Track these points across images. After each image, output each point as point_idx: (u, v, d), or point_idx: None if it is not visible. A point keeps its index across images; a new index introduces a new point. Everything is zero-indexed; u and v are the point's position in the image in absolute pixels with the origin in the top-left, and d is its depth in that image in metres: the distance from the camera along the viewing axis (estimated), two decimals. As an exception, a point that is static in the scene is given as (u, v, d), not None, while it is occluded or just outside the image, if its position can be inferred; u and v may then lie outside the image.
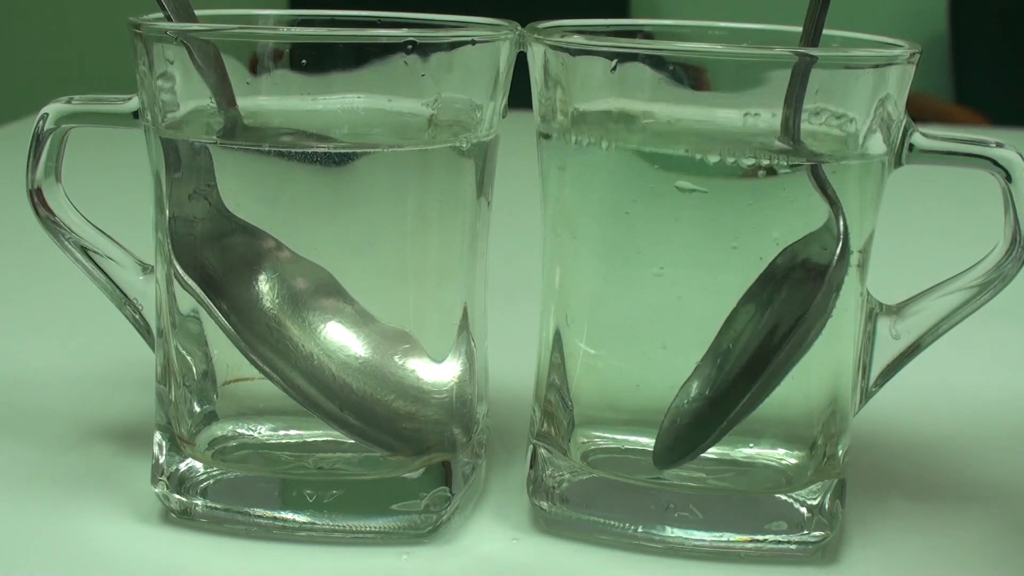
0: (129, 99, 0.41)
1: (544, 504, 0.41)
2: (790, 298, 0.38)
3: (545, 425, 0.42)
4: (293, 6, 1.94)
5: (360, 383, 0.39)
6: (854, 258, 0.40)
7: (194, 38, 0.38)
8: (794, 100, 0.37)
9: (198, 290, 0.39)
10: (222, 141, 0.38)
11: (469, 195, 0.41)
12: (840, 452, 0.41)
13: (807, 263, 0.38)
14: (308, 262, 0.39)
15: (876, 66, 0.38)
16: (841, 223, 0.38)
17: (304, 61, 0.38)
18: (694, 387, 0.39)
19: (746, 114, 0.38)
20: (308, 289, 0.39)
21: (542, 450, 0.41)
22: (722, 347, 0.39)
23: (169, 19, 0.39)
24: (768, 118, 0.38)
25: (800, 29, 0.41)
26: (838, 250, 0.38)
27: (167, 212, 0.39)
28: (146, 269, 0.44)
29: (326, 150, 0.38)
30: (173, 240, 0.39)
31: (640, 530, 0.40)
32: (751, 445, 0.40)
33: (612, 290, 0.40)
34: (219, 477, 0.40)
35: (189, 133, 0.39)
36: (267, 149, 0.38)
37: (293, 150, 0.38)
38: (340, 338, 0.39)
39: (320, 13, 0.43)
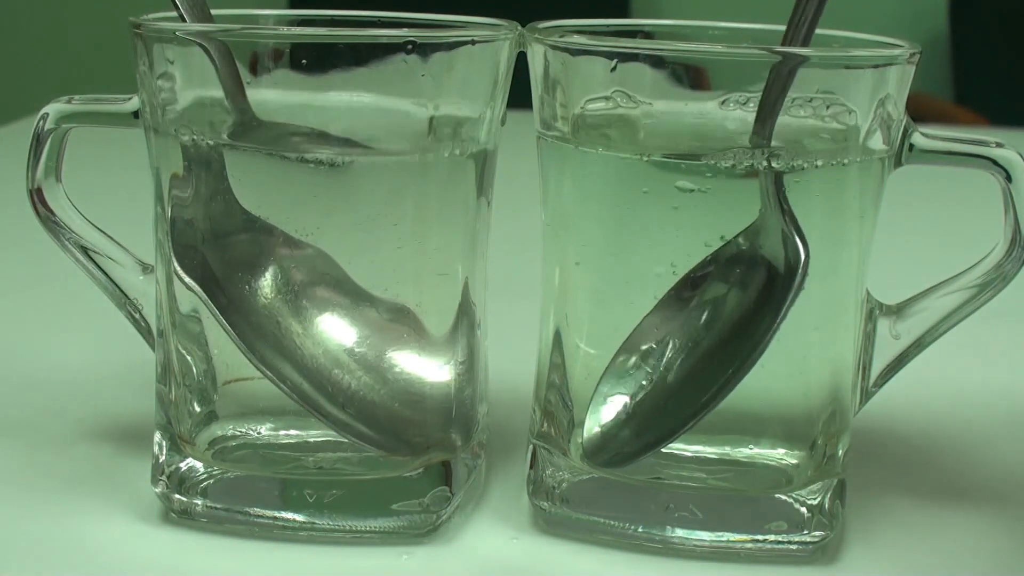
0: (129, 99, 0.41)
1: (544, 504, 0.41)
2: (729, 304, 0.38)
3: (545, 425, 0.42)
4: (293, 6, 1.94)
5: (360, 383, 0.39)
6: (852, 263, 0.40)
7: (195, 38, 0.38)
8: (773, 98, 0.37)
9: (198, 289, 0.39)
10: (226, 142, 0.38)
11: (469, 195, 0.41)
12: (840, 452, 0.41)
13: (754, 264, 0.38)
14: (311, 254, 0.39)
15: (876, 66, 0.38)
16: (797, 240, 0.37)
17: (304, 61, 0.38)
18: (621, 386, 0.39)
19: (746, 111, 0.38)
20: (310, 286, 0.39)
21: (542, 450, 0.41)
22: (648, 347, 0.39)
23: (182, 18, 0.39)
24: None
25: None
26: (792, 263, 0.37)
27: (168, 212, 0.39)
28: (146, 269, 0.44)
29: (328, 155, 0.38)
30: (174, 239, 0.39)
31: (640, 530, 0.40)
32: (751, 445, 0.40)
33: (612, 290, 0.40)
34: (219, 477, 0.40)
35: (193, 133, 0.39)
36: (268, 152, 0.38)
37: (292, 155, 0.38)
38: (341, 339, 0.39)
39: (320, 13, 0.43)
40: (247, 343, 0.38)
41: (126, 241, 0.44)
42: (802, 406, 0.40)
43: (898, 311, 0.42)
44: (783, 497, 0.40)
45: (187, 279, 0.39)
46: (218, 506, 0.40)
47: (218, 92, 0.38)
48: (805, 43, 0.39)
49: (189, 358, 0.41)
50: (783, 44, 0.39)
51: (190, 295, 0.39)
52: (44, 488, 0.43)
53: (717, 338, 0.39)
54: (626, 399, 0.39)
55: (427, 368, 0.41)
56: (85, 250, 0.44)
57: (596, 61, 0.38)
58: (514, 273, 0.51)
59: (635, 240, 0.39)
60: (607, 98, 0.39)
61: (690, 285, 0.39)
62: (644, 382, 0.39)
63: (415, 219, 0.39)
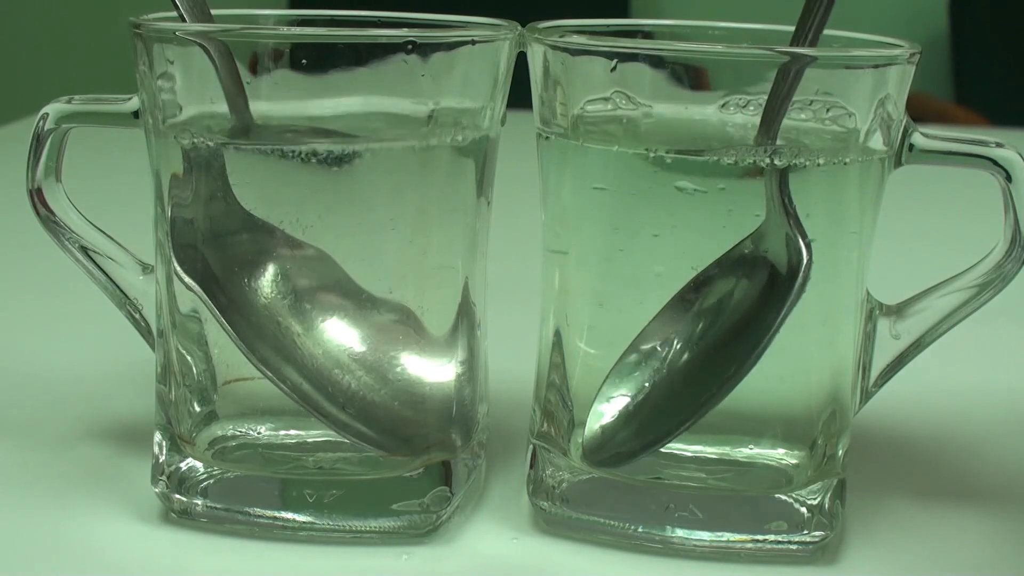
0: (129, 99, 0.41)
1: (544, 504, 0.41)
2: (732, 305, 0.38)
3: (545, 425, 0.42)
4: (293, 6, 1.94)
5: (360, 383, 0.39)
6: (852, 263, 0.40)
7: (196, 38, 0.38)
8: (779, 100, 0.37)
9: (198, 290, 0.39)
10: (226, 141, 0.38)
11: (469, 195, 0.41)
12: (840, 452, 0.41)
13: (756, 267, 0.38)
14: (312, 254, 0.39)
15: (876, 66, 0.38)
16: (800, 242, 0.37)
17: (304, 61, 0.38)
18: (625, 386, 0.39)
19: (746, 114, 0.38)
20: (310, 286, 0.39)
21: (542, 450, 0.41)
22: (651, 347, 0.39)
23: (182, 18, 0.39)
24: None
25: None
26: (795, 263, 0.37)
27: (168, 212, 0.39)
28: (146, 269, 0.44)
29: (328, 146, 0.38)
30: (174, 239, 0.39)
31: (640, 530, 0.40)
32: (751, 445, 0.40)
33: (612, 290, 0.40)
34: (219, 477, 0.40)
35: (193, 134, 0.39)
36: (268, 148, 0.38)
37: (293, 148, 0.38)
38: (342, 339, 0.39)
39: (320, 13, 0.43)
40: (247, 343, 0.38)
41: (126, 241, 0.44)
42: (802, 406, 0.40)
43: (898, 311, 0.42)
44: (783, 497, 0.40)
45: (187, 279, 0.39)
46: (218, 506, 0.40)
47: (218, 92, 0.38)
48: (812, 45, 0.39)
49: (189, 358, 0.41)
50: (792, 46, 0.39)
51: (190, 295, 0.39)
52: (44, 488, 0.43)
53: (718, 339, 0.39)
54: (628, 399, 0.39)
55: (427, 368, 0.41)
56: (85, 250, 0.44)
57: (596, 61, 0.38)
58: (514, 273, 0.51)
59: (635, 240, 0.39)
60: (607, 99, 0.39)
61: (696, 286, 0.39)
62: (646, 383, 0.39)
63: (415, 219, 0.39)
